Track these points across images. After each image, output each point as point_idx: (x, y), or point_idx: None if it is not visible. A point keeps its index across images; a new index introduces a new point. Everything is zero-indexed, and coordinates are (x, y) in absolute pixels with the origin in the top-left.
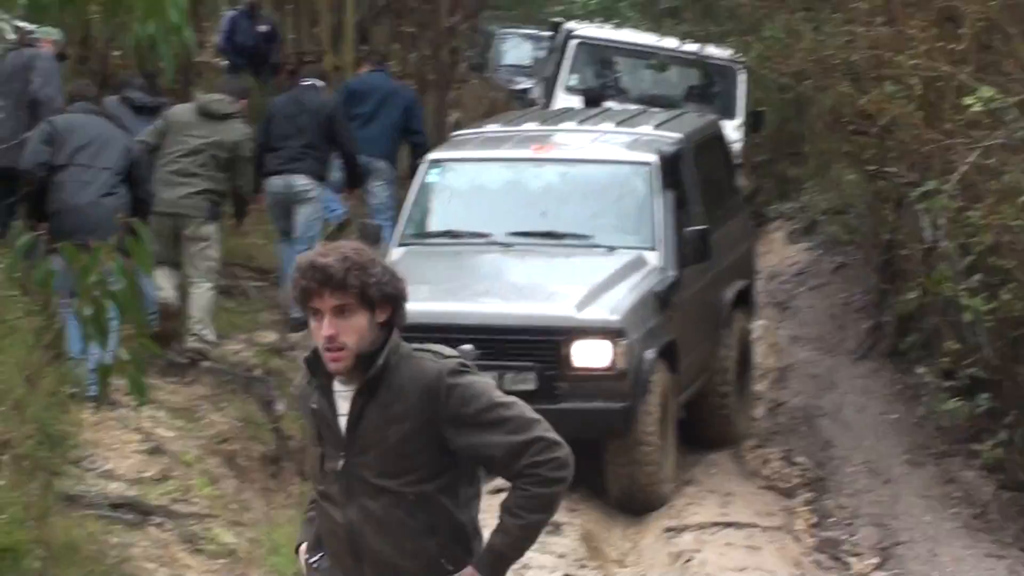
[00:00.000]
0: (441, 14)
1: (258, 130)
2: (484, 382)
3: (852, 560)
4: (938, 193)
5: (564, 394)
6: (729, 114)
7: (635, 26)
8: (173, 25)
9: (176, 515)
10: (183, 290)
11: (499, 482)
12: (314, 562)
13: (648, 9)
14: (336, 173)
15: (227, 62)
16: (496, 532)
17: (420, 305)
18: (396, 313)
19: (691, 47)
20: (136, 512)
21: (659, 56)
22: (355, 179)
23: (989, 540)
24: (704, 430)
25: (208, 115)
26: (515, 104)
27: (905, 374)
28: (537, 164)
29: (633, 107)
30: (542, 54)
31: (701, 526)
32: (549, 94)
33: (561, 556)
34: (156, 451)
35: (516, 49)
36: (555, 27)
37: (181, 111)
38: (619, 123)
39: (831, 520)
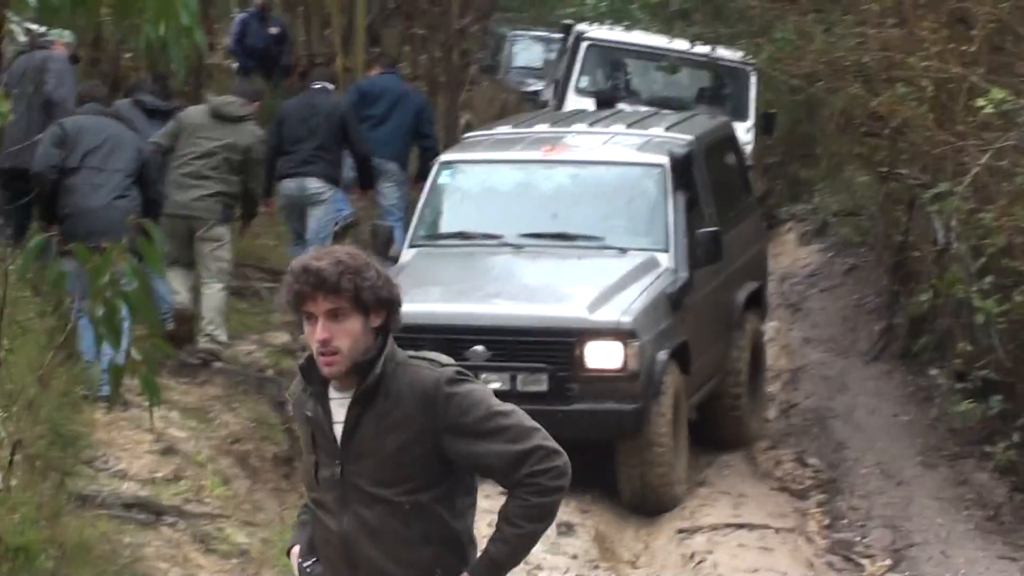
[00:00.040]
0: (452, 16)
1: (269, 133)
2: (482, 390)
3: (864, 562)
4: (950, 195)
5: (576, 395)
6: (741, 116)
7: (646, 28)
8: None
9: (188, 515)
10: (197, 292)
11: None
12: (308, 566)
13: (659, 11)
14: (348, 173)
15: (237, 64)
16: (493, 540)
17: (432, 306)
18: (391, 318)
19: (702, 49)
20: (148, 512)
21: (670, 58)
22: (368, 180)
23: (1002, 542)
24: (716, 431)
25: (221, 118)
26: (526, 106)
27: (917, 376)
28: (548, 166)
29: (644, 109)
30: (553, 56)
31: (713, 527)
32: (560, 96)
33: (574, 557)
34: (169, 451)
35: (527, 51)
36: (566, 29)
37: (194, 113)
38: (630, 125)
39: (843, 522)
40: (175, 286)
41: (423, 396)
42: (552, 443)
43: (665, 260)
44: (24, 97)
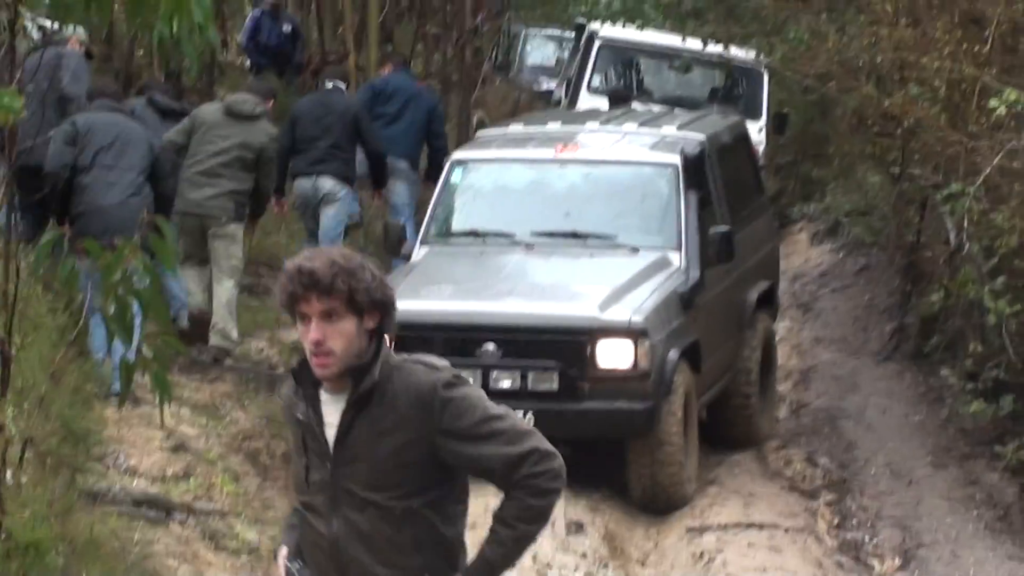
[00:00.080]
0: (465, 14)
1: (282, 133)
2: (478, 394)
3: (874, 562)
4: (962, 195)
5: (587, 394)
6: (753, 115)
7: (659, 27)
8: (197, 24)
9: (199, 512)
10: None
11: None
12: (295, 568)
13: (671, 10)
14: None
15: (250, 61)
16: (488, 542)
17: (444, 304)
18: (385, 320)
19: (715, 48)
20: (159, 509)
21: (683, 57)
22: (381, 179)
23: (1012, 542)
24: (727, 430)
25: (235, 116)
26: (539, 104)
27: (928, 376)
28: (561, 164)
29: (657, 108)
30: (566, 55)
31: (723, 526)
32: (573, 95)
33: (583, 555)
34: (179, 448)
35: (540, 50)
36: (579, 28)
37: (208, 111)
38: (643, 124)
39: (853, 521)
40: (191, 288)
41: (419, 400)
42: (547, 445)
43: (677, 259)
44: (37, 94)
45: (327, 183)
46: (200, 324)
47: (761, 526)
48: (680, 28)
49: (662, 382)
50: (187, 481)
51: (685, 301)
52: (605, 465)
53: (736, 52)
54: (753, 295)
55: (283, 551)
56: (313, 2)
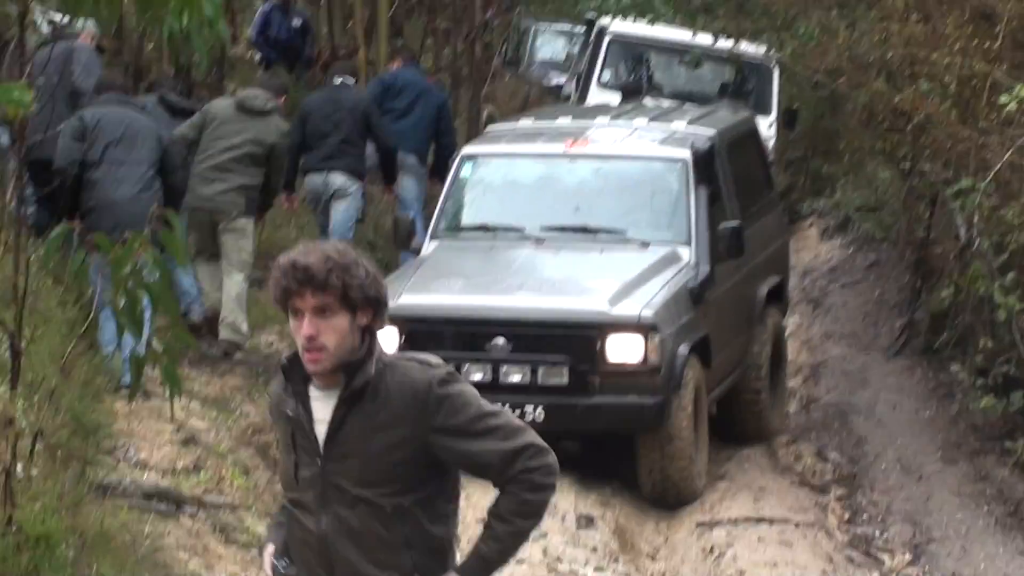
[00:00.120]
0: (475, 9)
1: (292, 129)
2: (472, 391)
3: (884, 557)
4: (972, 191)
5: (597, 388)
6: (763, 111)
7: (669, 22)
8: (207, 18)
9: (209, 505)
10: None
11: None
12: (282, 566)
13: (682, 5)
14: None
15: (260, 56)
16: (484, 538)
17: (454, 298)
18: (378, 317)
19: (725, 44)
20: (169, 502)
21: (693, 52)
22: (392, 174)
23: (1022, 538)
24: (737, 425)
25: (247, 111)
26: (549, 99)
27: (938, 372)
28: (571, 159)
29: (667, 103)
30: (576, 50)
31: (733, 521)
32: (583, 90)
33: (593, 549)
34: (189, 442)
35: (550, 45)
36: (589, 23)
37: (220, 106)
38: (653, 119)
39: (863, 516)
40: (206, 287)
41: (413, 396)
42: (541, 441)
43: (687, 254)
44: (48, 88)
45: (338, 179)
46: (214, 321)
47: (771, 521)
48: (690, 23)
49: (672, 377)
50: (197, 474)
51: (695, 296)
52: (615, 459)
53: (746, 47)
54: (763, 290)
55: (269, 548)
56: None
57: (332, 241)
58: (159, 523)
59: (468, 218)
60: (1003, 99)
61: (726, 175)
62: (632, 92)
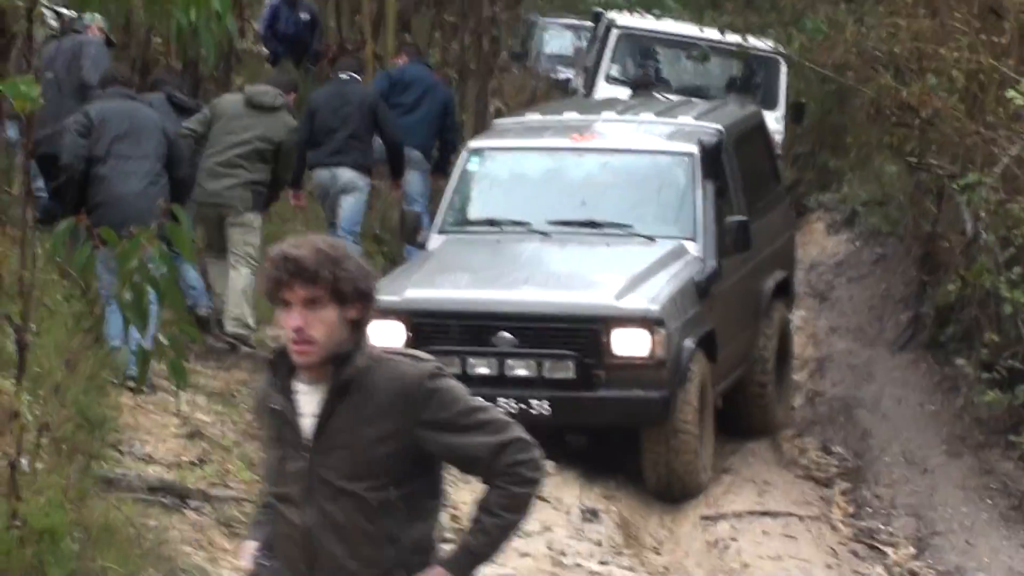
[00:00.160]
0: (482, 3)
1: (300, 125)
2: (461, 386)
3: (888, 550)
4: (979, 185)
5: (603, 382)
6: (771, 105)
7: (677, 16)
8: (215, 13)
9: (214, 499)
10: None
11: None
12: (263, 560)
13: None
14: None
15: (268, 50)
16: (471, 532)
17: (460, 293)
18: (367, 312)
19: (733, 38)
20: (174, 496)
21: (700, 47)
22: (399, 169)
23: None
24: (742, 419)
25: (255, 107)
26: (556, 94)
27: (944, 365)
28: (577, 153)
29: (674, 97)
30: (583, 44)
31: (738, 515)
32: (590, 84)
33: (598, 543)
34: (195, 435)
35: (557, 39)
36: (597, 17)
37: (228, 102)
38: (660, 113)
39: (868, 510)
40: (218, 287)
41: (402, 390)
42: (528, 436)
43: (693, 248)
44: (55, 82)
45: (346, 173)
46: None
47: (776, 514)
48: (698, 17)
49: (678, 371)
50: (202, 468)
51: (701, 290)
52: (620, 453)
53: (754, 42)
54: (769, 284)
55: (250, 544)
56: None
57: (324, 236)
58: (164, 517)
59: (475, 212)
60: (1011, 94)
61: (733, 169)
62: (642, 85)
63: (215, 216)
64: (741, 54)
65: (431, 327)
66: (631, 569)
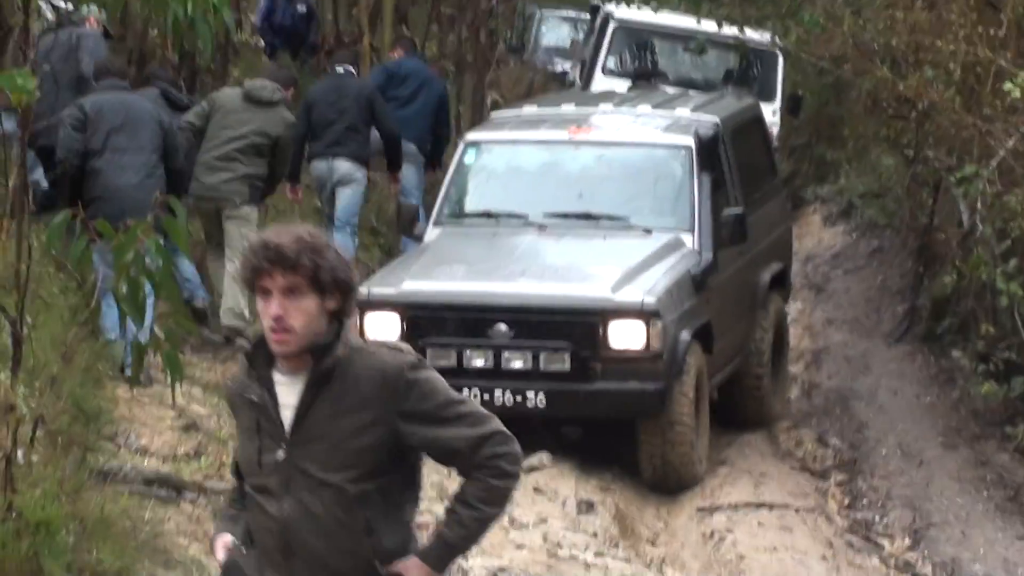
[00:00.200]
0: None
1: (298, 118)
2: (440, 378)
3: (884, 542)
4: (976, 178)
5: (599, 375)
6: (768, 97)
7: (673, 9)
8: (212, 5)
9: (210, 491)
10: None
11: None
12: (239, 548)
13: None
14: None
15: (264, 42)
16: (448, 524)
17: (456, 285)
18: (346, 303)
19: (730, 30)
20: (170, 488)
21: (698, 39)
22: (397, 162)
23: (1021, 523)
24: (738, 411)
25: (253, 101)
26: (553, 86)
27: (940, 357)
28: (574, 146)
29: (672, 90)
30: (581, 36)
31: (734, 506)
32: (587, 76)
33: (593, 535)
34: (190, 428)
35: (555, 31)
36: (594, 9)
37: (226, 96)
38: (657, 106)
39: (863, 502)
40: (216, 281)
41: (383, 381)
42: (507, 430)
43: (690, 241)
44: (52, 74)
45: (343, 165)
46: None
47: (771, 506)
48: (695, 10)
49: (674, 363)
50: (198, 460)
51: (698, 282)
52: (616, 445)
53: (751, 34)
54: (766, 276)
55: (224, 538)
56: None
57: (305, 225)
58: (160, 509)
59: (471, 204)
60: (1008, 86)
61: (730, 162)
62: (643, 77)
63: (212, 210)
64: (738, 47)
65: (427, 319)
66: (627, 561)
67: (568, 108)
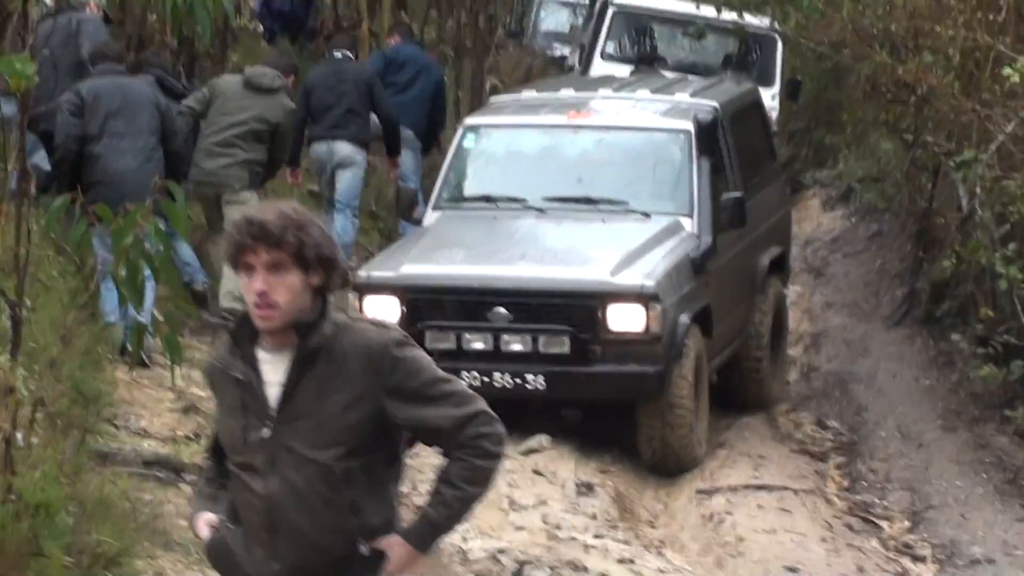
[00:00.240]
0: None
1: (297, 104)
2: (426, 357)
3: (883, 524)
4: (975, 162)
5: (598, 358)
6: (767, 82)
7: None
8: None
9: None
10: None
11: None
12: (226, 529)
13: None
14: None
15: (263, 27)
16: (432, 504)
17: (456, 268)
18: (330, 279)
19: (729, 15)
20: (169, 470)
21: (697, 24)
22: (396, 146)
23: (1020, 505)
24: (738, 394)
25: (253, 88)
26: (552, 71)
27: (939, 341)
28: (573, 130)
29: (671, 75)
30: (580, 21)
31: (733, 488)
32: (586, 61)
33: (593, 517)
34: (189, 410)
35: (554, 16)
36: None
37: (227, 82)
38: (656, 90)
39: (863, 484)
40: (217, 266)
41: (369, 357)
42: (491, 411)
43: (689, 225)
44: (51, 59)
45: (344, 147)
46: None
47: (771, 488)
48: None
49: (673, 346)
50: (197, 442)
51: (697, 266)
52: (615, 428)
53: (750, 19)
54: (765, 260)
55: (206, 516)
56: None
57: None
58: (159, 491)
59: (470, 189)
60: (1007, 71)
61: (729, 146)
62: (645, 62)
63: (212, 195)
64: (737, 32)
65: (427, 303)
66: (626, 543)
67: (567, 93)
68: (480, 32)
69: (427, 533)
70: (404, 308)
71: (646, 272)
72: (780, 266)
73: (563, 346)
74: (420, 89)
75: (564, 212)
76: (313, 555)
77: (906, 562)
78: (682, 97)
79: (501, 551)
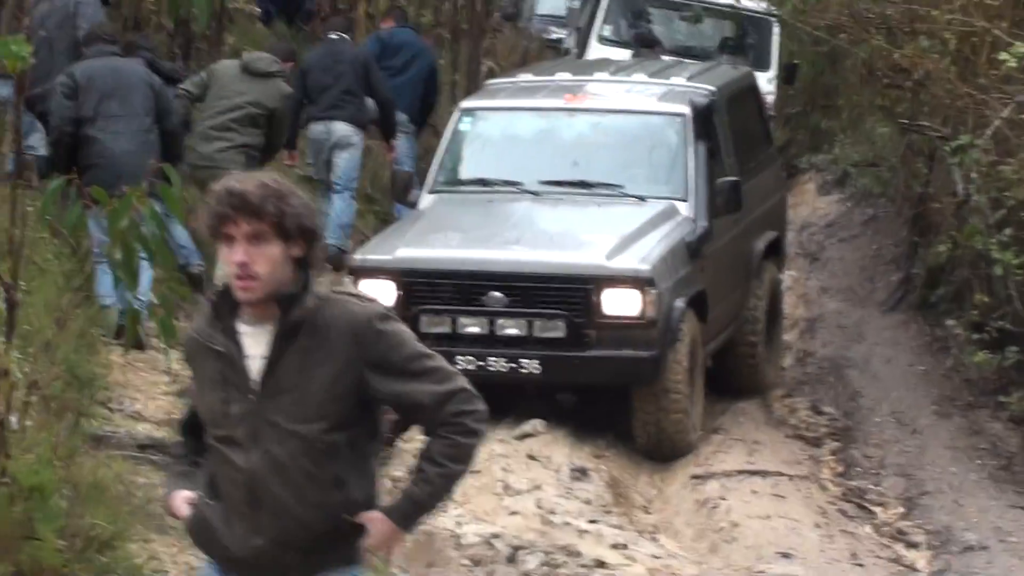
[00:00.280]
0: None
1: (293, 86)
2: (408, 331)
3: (877, 509)
4: (971, 147)
5: (593, 342)
6: (763, 66)
7: None
8: None
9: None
10: None
11: None
12: (205, 504)
13: None
14: None
15: (260, 9)
16: (415, 481)
17: (451, 252)
18: (311, 249)
19: None
20: (163, 453)
21: (693, 8)
22: (391, 129)
23: (1014, 491)
24: (732, 379)
25: (251, 73)
26: (548, 54)
27: (934, 326)
28: (569, 114)
29: (667, 58)
30: (576, 4)
31: (727, 474)
32: (583, 44)
33: (587, 502)
34: (184, 393)
35: None
36: None
37: (225, 67)
38: (652, 74)
39: (857, 470)
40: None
41: (351, 330)
42: (473, 388)
43: (685, 209)
44: (48, 40)
45: (341, 128)
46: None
47: (765, 474)
48: None
49: (668, 330)
50: None
51: (692, 250)
52: (610, 412)
53: (747, 3)
54: (760, 245)
55: (183, 494)
56: None
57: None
58: (153, 474)
59: (466, 172)
60: (1003, 56)
61: (725, 130)
62: (645, 45)
63: (208, 178)
64: (734, 15)
65: (422, 286)
66: (620, 528)
67: (563, 76)
68: (477, 15)
69: (410, 510)
70: (399, 292)
71: (641, 256)
72: (776, 251)
73: (558, 330)
74: (414, 74)
75: (560, 196)
76: (296, 530)
77: (900, 548)
78: (678, 81)
79: (495, 536)
